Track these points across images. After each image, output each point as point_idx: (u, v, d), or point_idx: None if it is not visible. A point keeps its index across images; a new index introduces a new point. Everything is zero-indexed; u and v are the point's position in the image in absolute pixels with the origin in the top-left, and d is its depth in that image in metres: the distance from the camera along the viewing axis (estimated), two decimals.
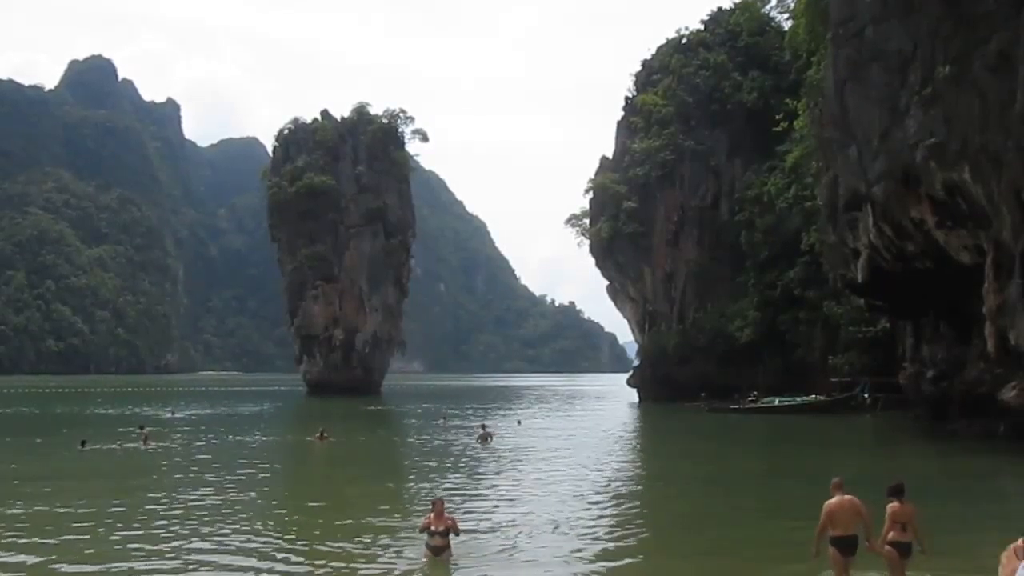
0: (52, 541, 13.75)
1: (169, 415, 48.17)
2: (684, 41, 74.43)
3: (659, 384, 66.41)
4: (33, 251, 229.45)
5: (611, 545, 13.80)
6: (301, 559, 12.60)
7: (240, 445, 31.70)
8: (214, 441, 33.30)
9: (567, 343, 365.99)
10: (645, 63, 78.01)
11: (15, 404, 63.15)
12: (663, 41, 77.05)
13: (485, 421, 40.24)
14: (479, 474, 23.18)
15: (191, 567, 12.13)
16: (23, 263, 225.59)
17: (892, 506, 10.84)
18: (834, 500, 10.79)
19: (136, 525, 15.20)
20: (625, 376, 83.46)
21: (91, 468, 24.06)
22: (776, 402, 50.51)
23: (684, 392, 59.90)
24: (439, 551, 12.11)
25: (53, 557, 12.63)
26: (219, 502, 17.90)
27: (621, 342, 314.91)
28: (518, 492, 19.43)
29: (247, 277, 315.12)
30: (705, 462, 28.18)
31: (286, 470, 26.34)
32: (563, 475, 22.65)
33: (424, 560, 12.18)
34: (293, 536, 14.25)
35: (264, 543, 13.66)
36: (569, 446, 31.87)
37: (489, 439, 32.35)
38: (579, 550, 13.37)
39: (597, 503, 18.14)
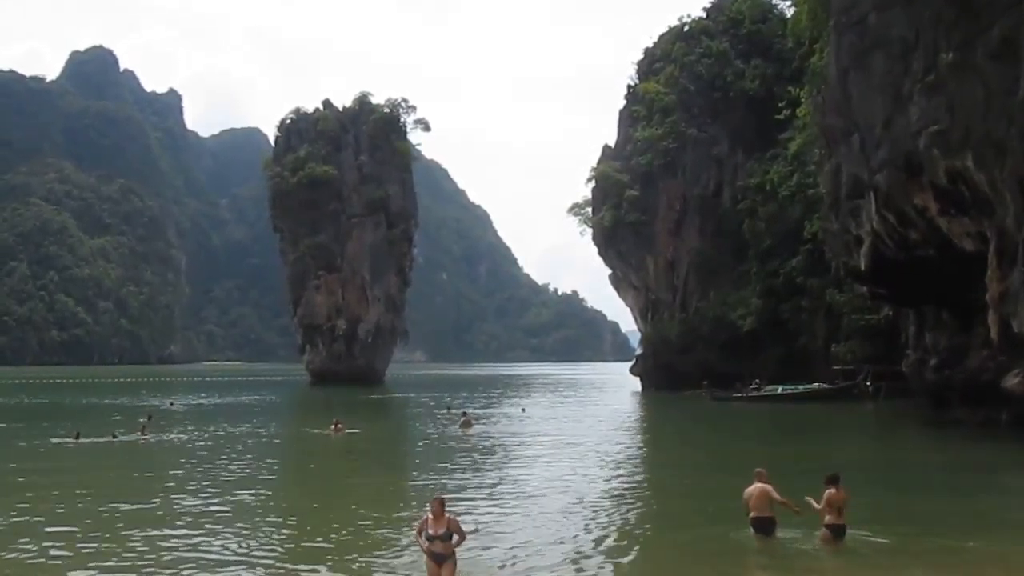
0: (40, 540, 13.46)
1: (171, 405, 48.19)
2: (686, 29, 74.15)
3: (661, 373, 66.45)
4: (36, 242, 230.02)
5: (624, 559, 12.97)
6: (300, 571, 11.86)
7: (250, 437, 31.47)
8: (225, 432, 33.11)
9: (569, 332, 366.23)
10: (647, 51, 77.77)
11: (17, 395, 63.36)
12: (665, 29, 76.98)
13: (466, 408, 41.91)
14: (487, 467, 23.02)
15: (184, 569, 11.90)
16: (26, 254, 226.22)
17: (829, 492, 12.41)
18: (749, 487, 12.77)
19: (134, 526, 14.79)
20: (627, 365, 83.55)
21: (85, 461, 23.88)
22: (779, 390, 50.53)
23: (686, 380, 59.95)
24: (441, 559, 10.30)
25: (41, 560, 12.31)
26: (238, 500, 17.69)
27: (623, 331, 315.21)
28: (527, 486, 19.16)
29: (249, 267, 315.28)
30: (708, 451, 28.32)
31: (304, 465, 25.85)
32: (570, 466, 22.64)
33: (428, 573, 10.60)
34: (293, 543, 13.48)
35: (261, 550, 13.03)
36: (574, 434, 31.97)
37: (470, 425, 32.72)
38: (595, 557, 12.75)
39: (606, 498, 17.91)
